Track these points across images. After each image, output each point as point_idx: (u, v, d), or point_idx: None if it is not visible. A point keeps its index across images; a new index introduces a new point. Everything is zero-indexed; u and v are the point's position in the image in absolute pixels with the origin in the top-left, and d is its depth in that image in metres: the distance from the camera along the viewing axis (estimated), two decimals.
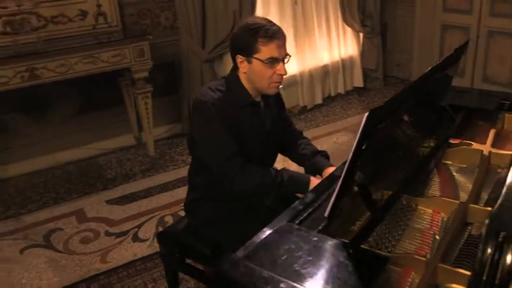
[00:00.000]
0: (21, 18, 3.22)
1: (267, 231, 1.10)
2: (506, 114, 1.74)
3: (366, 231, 1.09)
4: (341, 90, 4.78)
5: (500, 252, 0.93)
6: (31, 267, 2.53)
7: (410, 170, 1.34)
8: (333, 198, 1.04)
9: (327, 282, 0.91)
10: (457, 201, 1.22)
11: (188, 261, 1.87)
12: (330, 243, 1.01)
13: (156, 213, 2.95)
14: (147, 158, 3.67)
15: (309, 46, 4.35)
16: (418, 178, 1.37)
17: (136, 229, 2.80)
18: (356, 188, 1.08)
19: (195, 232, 1.80)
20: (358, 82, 4.90)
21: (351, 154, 0.98)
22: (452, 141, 1.59)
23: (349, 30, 4.67)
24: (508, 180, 1.19)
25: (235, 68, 1.68)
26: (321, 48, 4.47)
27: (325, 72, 4.59)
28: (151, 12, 3.80)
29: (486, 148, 1.50)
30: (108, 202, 3.12)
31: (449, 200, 1.23)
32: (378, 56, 4.84)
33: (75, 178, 3.48)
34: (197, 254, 1.74)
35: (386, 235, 1.16)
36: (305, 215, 1.20)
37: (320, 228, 1.10)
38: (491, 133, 1.60)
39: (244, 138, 1.66)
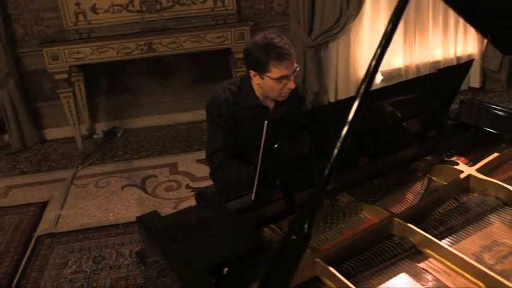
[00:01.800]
0: (154, 0, 3.76)
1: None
2: None
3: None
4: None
5: None
6: (125, 201, 3.09)
7: (361, 173, 1.39)
8: (255, 186, 1.19)
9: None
10: (387, 213, 1.25)
11: None
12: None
13: None
14: None
15: (419, 41, 4.13)
16: (370, 182, 1.41)
17: None
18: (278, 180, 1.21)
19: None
20: (475, 82, 4.48)
21: (260, 152, 1.13)
22: (447, 158, 1.55)
23: (470, 28, 4.27)
24: None
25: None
26: (434, 44, 4.20)
27: (436, 68, 4.30)
28: None
29: (469, 170, 1.44)
30: (198, 161, 3.55)
31: (381, 209, 1.27)
32: (502, 56, 4.35)
33: (181, 137, 4.00)
34: None
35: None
36: None
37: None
38: (490, 157, 1.50)
39: (247, 137, 1.83)
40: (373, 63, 0.84)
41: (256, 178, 1.17)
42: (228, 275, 0.99)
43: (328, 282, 1.07)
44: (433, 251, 1.15)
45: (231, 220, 1.16)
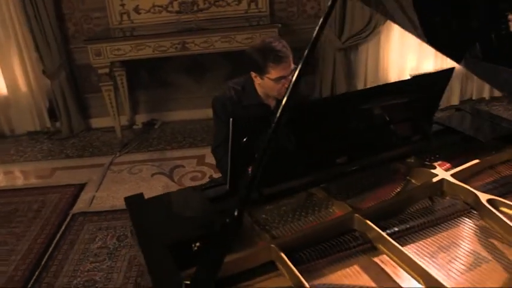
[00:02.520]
0: (193, 1, 3.94)
1: None
2: None
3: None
4: (486, 94, 4.30)
5: None
6: (152, 187, 3.30)
7: (340, 171, 1.46)
8: (228, 177, 1.31)
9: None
10: (350, 209, 1.32)
11: None
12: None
13: None
14: None
15: None
16: (350, 180, 1.47)
17: None
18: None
19: None
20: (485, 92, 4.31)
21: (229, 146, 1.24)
22: (432, 162, 1.58)
23: None
24: None
25: None
26: None
27: (468, 73, 4.19)
28: (299, 1, 4.10)
29: (443, 175, 1.47)
30: None
31: (346, 205, 1.34)
32: None
33: (211, 131, 4.15)
34: None
35: (282, 215, 1.36)
36: None
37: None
38: (469, 164, 1.52)
39: None
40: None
41: (229, 170, 1.29)
42: (190, 251, 1.11)
43: (280, 267, 1.16)
44: (385, 247, 1.21)
45: (199, 204, 1.29)
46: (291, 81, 1.06)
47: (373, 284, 1.13)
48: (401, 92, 1.45)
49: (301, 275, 1.11)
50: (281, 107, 0.94)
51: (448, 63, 4.14)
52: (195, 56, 4.03)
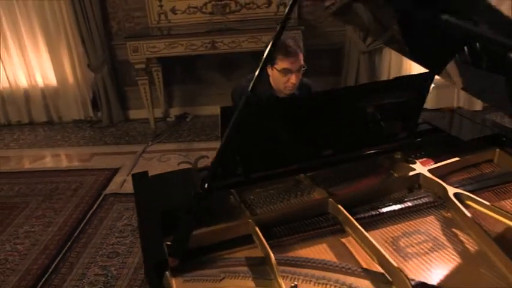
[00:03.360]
0: (225, 4, 4.11)
1: None
2: (498, 150, 1.64)
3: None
4: None
5: None
6: None
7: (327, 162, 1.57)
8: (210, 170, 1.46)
9: None
10: (326, 194, 1.43)
11: None
12: None
13: None
14: None
15: None
16: (336, 171, 1.58)
17: None
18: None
19: None
20: None
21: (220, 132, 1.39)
22: (417, 159, 1.66)
23: None
24: None
25: None
26: None
27: None
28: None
29: (421, 169, 1.55)
30: None
31: (324, 191, 1.45)
32: None
33: None
34: None
35: (268, 197, 1.50)
36: None
37: None
38: (448, 161, 1.59)
39: None
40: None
41: (220, 154, 1.43)
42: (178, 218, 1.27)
43: (255, 239, 1.30)
44: (351, 230, 1.32)
45: (192, 181, 1.45)
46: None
47: (335, 260, 1.24)
48: (386, 91, 1.54)
49: (273, 249, 1.24)
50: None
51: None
52: (226, 55, 4.21)
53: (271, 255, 1.19)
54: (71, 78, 4.52)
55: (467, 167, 1.63)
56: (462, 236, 1.30)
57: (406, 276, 1.07)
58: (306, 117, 1.53)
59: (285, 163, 1.56)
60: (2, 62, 4.49)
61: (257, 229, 1.29)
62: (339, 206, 1.37)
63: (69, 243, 2.73)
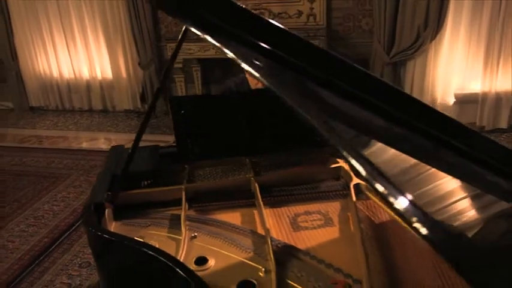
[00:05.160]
0: (260, 13, 4.49)
1: None
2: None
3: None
4: None
5: None
6: None
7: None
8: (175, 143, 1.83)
9: None
10: (251, 176, 1.75)
11: None
12: None
13: None
14: None
15: (503, 68, 3.97)
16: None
17: None
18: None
19: None
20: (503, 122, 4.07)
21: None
22: None
23: None
24: None
25: None
26: None
27: None
28: (355, 17, 4.40)
29: (343, 163, 1.80)
30: None
31: (252, 172, 1.77)
32: None
33: None
34: None
35: (212, 174, 1.85)
36: None
37: None
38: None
39: None
40: None
41: (175, 138, 1.81)
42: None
43: (183, 202, 1.66)
44: (257, 203, 1.62)
45: (153, 156, 1.85)
46: None
47: (238, 224, 1.56)
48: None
49: (196, 211, 1.60)
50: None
51: (498, 86, 3.96)
52: None
53: (183, 213, 1.55)
54: (124, 73, 5.16)
55: None
56: (350, 219, 1.56)
57: (270, 237, 1.37)
58: (247, 112, 1.86)
59: (229, 150, 1.88)
60: (70, 56, 5.24)
61: (184, 194, 1.65)
62: (256, 185, 1.68)
63: None
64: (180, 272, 1.10)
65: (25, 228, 3.09)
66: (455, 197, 0.97)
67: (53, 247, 2.85)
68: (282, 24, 1.14)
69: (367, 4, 4.29)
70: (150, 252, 1.20)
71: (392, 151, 1.08)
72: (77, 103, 5.54)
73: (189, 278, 1.07)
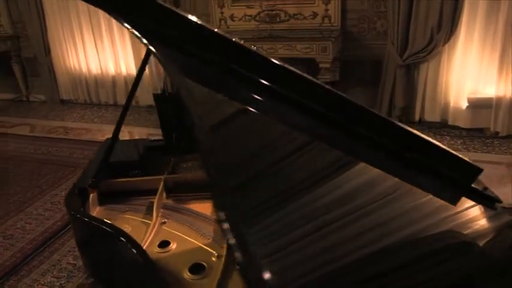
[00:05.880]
0: (275, 14, 4.60)
1: None
2: None
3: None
4: None
5: None
6: None
7: None
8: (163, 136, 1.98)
9: None
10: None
11: None
12: None
13: None
14: None
15: None
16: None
17: None
18: None
19: None
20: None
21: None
22: None
23: None
24: None
25: None
26: None
27: None
28: (369, 18, 4.42)
29: None
30: None
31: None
32: None
33: None
34: None
35: (192, 167, 1.98)
36: None
37: None
38: None
39: None
40: None
41: (162, 132, 1.96)
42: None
43: (160, 191, 1.81)
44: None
45: (141, 148, 2.01)
46: None
47: (209, 214, 1.69)
48: None
49: (174, 200, 1.75)
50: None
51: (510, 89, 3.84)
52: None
53: (156, 200, 1.70)
54: (147, 70, 5.39)
55: None
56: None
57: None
58: None
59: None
60: (97, 52, 5.54)
61: (162, 183, 1.80)
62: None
63: None
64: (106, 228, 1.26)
65: (42, 212, 3.35)
66: None
67: (64, 231, 3.08)
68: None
69: (382, 6, 4.31)
70: (101, 226, 1.37)
71: None
72: (103, 97, 5.84)
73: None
